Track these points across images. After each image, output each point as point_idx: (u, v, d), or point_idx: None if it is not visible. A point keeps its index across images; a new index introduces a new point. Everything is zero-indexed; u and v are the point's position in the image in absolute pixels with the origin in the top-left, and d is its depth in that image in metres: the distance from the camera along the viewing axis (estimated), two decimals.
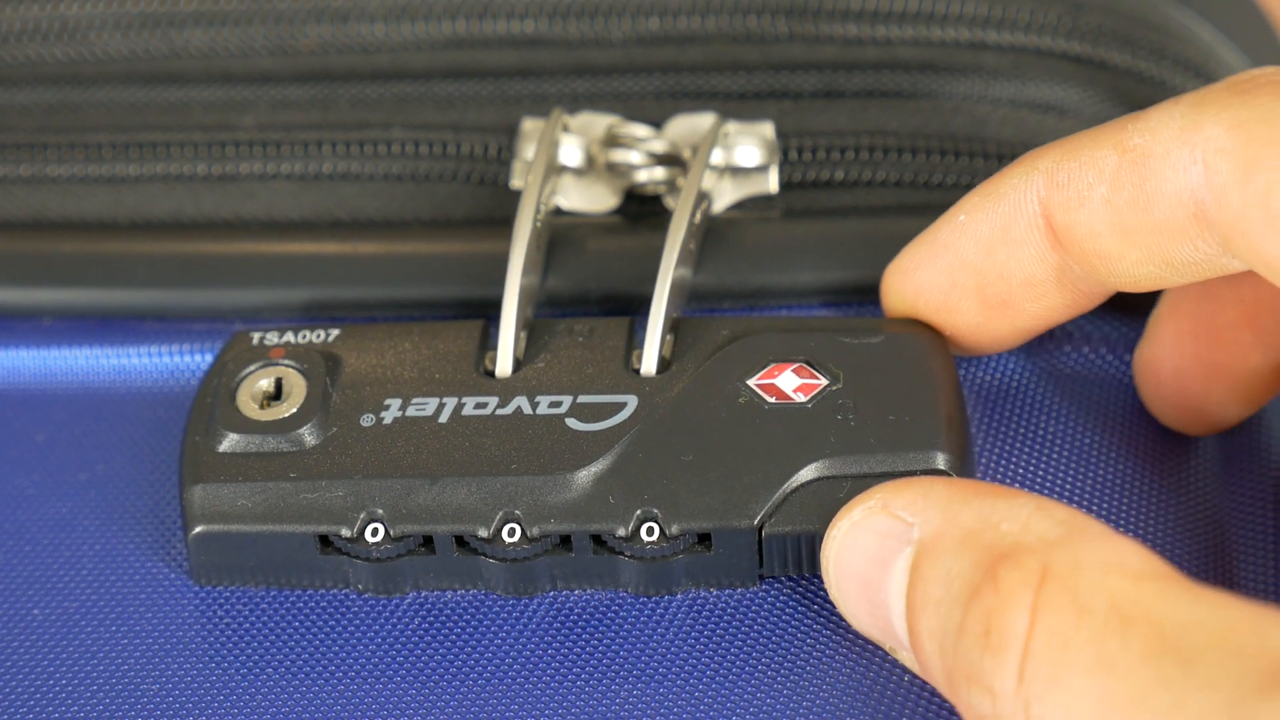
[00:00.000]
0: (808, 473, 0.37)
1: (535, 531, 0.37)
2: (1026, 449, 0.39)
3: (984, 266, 0.38)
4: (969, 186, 0.42)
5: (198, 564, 0.38)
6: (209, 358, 0.42)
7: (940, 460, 0.37)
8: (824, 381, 0.38)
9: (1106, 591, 0.32)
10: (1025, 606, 0.32)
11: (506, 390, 0.38)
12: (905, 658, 0.35)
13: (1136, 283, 0.37)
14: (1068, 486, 0.39)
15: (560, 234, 0.42)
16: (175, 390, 0.41)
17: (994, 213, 0.37)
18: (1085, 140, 0.36)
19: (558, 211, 0.43)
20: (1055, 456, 0.39)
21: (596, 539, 0.37)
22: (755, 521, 0.37)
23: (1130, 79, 0.44)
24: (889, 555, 0.35)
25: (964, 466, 0.37)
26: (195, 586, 0.39)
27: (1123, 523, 0.38)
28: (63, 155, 0.44)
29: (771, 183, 0.42)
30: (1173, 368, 0.39)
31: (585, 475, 0.37)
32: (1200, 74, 0.45)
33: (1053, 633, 0.32)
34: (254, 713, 0.37)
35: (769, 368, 0.38)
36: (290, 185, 0.43)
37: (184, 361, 0.42)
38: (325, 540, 0.38)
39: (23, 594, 0.39)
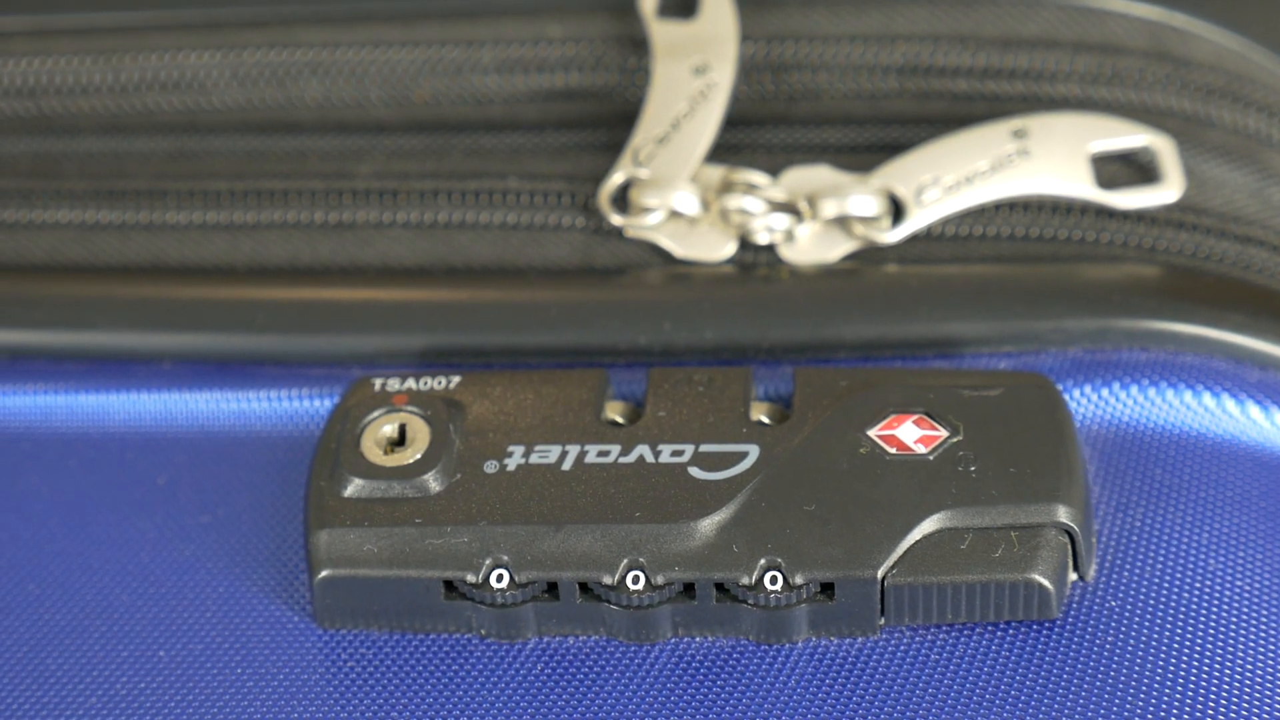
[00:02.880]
0: (930, 524, 0.37)
1: (660, 579, 0.38)
2: (1143, 502, 0.39)
3: None
4: (1080, 241, 0.43)
5: (322, 607, 0.39)
6: (328, 403, 0.42)
7: (1061, 513, 0.37)
8: (944, 433, 0.38)
9: None
10: None
11: (629, 438, 0.39)
12: None
13: None
14: (1184, 540, 0.39)
15: (674, 282, 0.42)
16: (294, 435, 0.42)
17: None
18: None
19: (671, 259, 0.43)
20: (1173, 509, 0.39)
21: (720, 587, 0.38)
22: (879, 573, 0.37)
23: (1237, 136, 0.45)
24: None
25: (1084, 519, 0.38)
26: (319, 630, 0.39)
27: (1246, 575, 0.38)
28: (181, 202, 0.45)
29: (887, 234, 0.43)
30: None
31: (709, 524, 0.38)
32: None
33: None
34: None
35: (889, 419, 0.39)
36: (406, 233, 0.44)
37: (303, 406, 0.42)
38: (450, 585, 0.38)
39: (148, 636, 0.39)
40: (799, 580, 0.37)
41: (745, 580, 0.37)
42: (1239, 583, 0.38)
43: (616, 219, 0.43)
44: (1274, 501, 0.40)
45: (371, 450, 0.39)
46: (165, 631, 0.39)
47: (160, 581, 0.40)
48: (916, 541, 0.37)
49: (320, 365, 0.43)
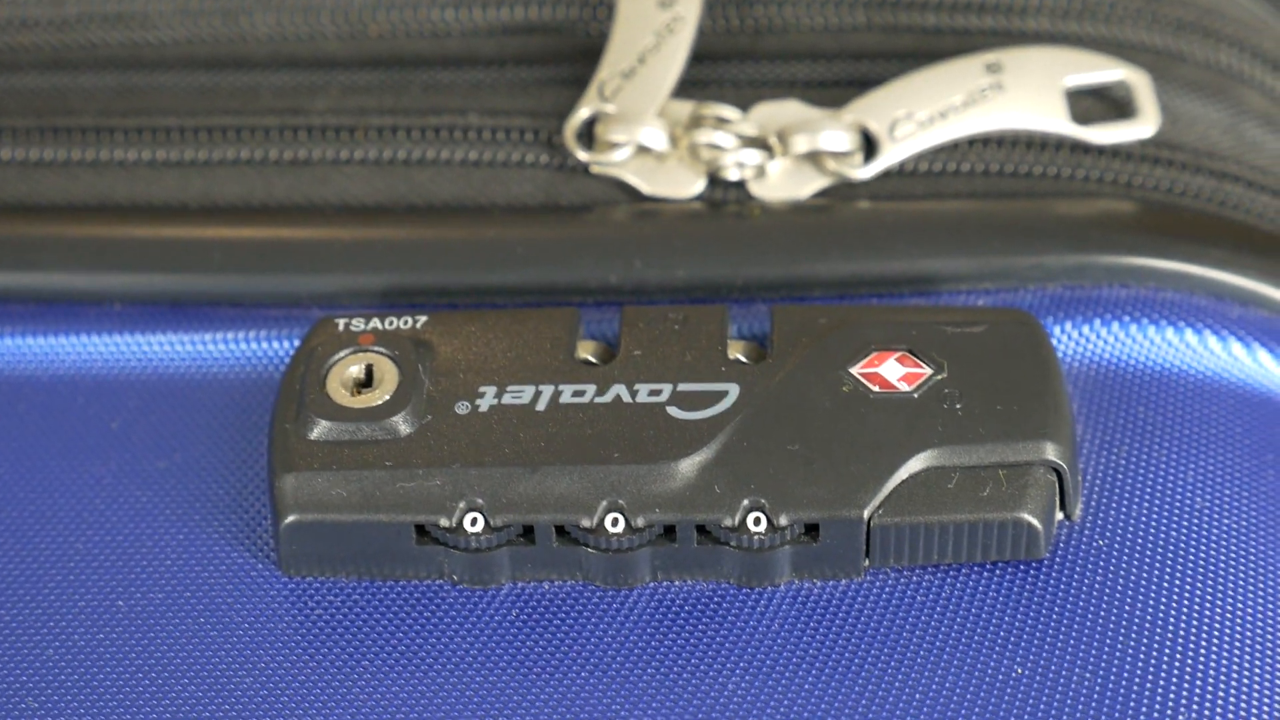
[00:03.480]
0: (916, 463, 0.37)
1: (640, 521, 0.36)
2: (1126, 440, 0.39)
3: None
4: (1056, 177, 0.42)
5: (288, 554, 0.38)
6: (287, 344, 0.41)
7: (1050, 450, 0.37)
8: (928, 371, 0.38)
9: None
10: None
11: (604, 378, 0.38)
12: None
13: None
14: (1169, 479, 0.38)
15: (644, 219, 0.41)
16: (253, 377, 0.41)
17: None
18: None
19: (639, 196, 0.42)
20: (1156, 447, 0.39)
21: (701, 529, 0.37)
22: (865, 512, 0.36)
23: (1210, 72, 0.44)
24: None
25: (1072, 457, 0.37)
26: (284, 577, 0.38)
27: (1232, 513, 0.38)
28: (129, 139, 0.43)
29: (860, 169, 0.42)
30: None
31: (689, 464, 0.37)
32: (1278, 68, 0.45)
33: None
34: (352, 704, 0.36)
35: (871, 356, 0.38)
36: (364, 170, 0.43)
37: (261, 348, 0.41)
38: (421, 530, 0.37)
39: (106, 586, 0.38)
40: (783, 521, 0.36)
41: (728, 522, 0.36)
42: (1225, 520, 0.38)
43: (582, 155, 0.42)
44: (1256, 438, 0.39)
45: (338, 391, 0.38)
46: (124, 581, 0.38)
47: (117, 529, 0.39)
48: (903, 481, 0.36)
49: (279, 306, 0.41)
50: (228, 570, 0.38)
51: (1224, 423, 0.39)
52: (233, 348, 0.41)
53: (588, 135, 0.42)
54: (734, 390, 0.37)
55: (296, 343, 0.41)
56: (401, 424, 0.37)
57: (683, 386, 0.38)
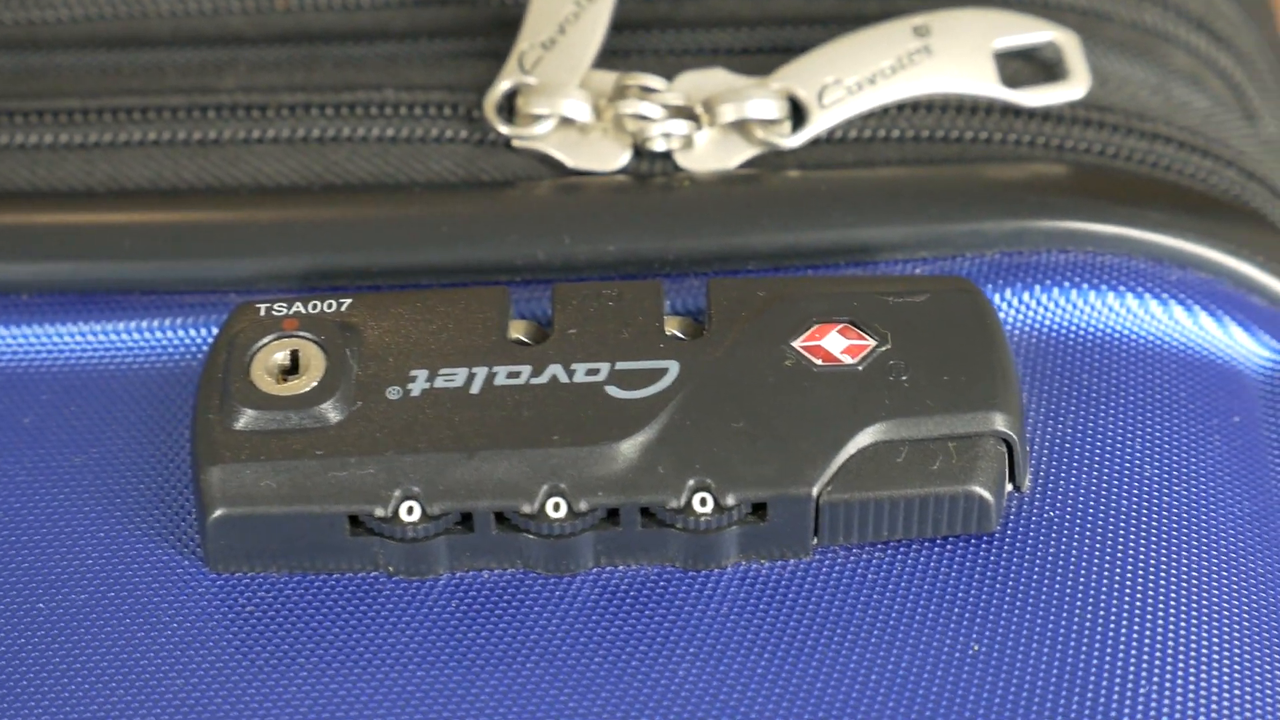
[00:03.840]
0: (864, 437, 0.36)
1: (582, 505, 0.35)
2: (1072, 409, 0.38)
3: None
4: (987, 141, 0.41)
5: (216, 549, 0.36)
6: (205, 333, 0.39)
7: (999, 421, 0.36)
8: (872, 342, 0.37)
9: None
10: None
11: (539, 358, 0.37)
12: None
13: None
14: (1117, 447, 0.38)
15: (570, 193, 0.40)
16: (170, 367, 0.39)
17: None
18: None
19: (563, 170, 0.41)
20: (1102, 415, 0.38)
21: (645, 512, 0.36)
22: (814, 489, 0.35)
23: (1135, 31, 0.43)
24: None
25: (1020, 427, 0.36)
26: (212, 574, 0.36)
27: (1182, 481, 0.37)
28: (29, 122, 0.41)
29: (789, 138, 0.41)
30: None
31: (631, 445, 0.36)
32: (1202, 26, 0.44)
33: None
34: (289, 704, 0.35)
35: (813, 329, 0.37)
36: (276, 150, 0.41)
37: (177, 337, 0.39)
38: (355, 521, 0.36)
39: (24, 587, 0.36)
40: (730, 501, 0.35)
41: (674, 503, 0.35)
42: (1176, 488, 0.37)
43: (503, 129, 0.41)
44: (1202, 403, 0.38)
45: (263, 379, 0.37)
46: (43, 582, 0.36)
47: (33, 528, 0.37)
48: (851, 456, 0.36)
49: (194, 293, 0.40)
50: (153, 568, 0.37)
51: (1169, 388, 0.38)
52: (147, 337, 0.39)
53: (508, 108, 0.41)
54: (674, 367, 0.36)
55: (215, 330, 0.39)
56: (331, 411, 0.36)
57: (621, 365, 0.36)
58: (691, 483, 0.35)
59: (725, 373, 0.36)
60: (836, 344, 0.37)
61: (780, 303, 0.37)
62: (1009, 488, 0.37)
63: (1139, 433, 0.38)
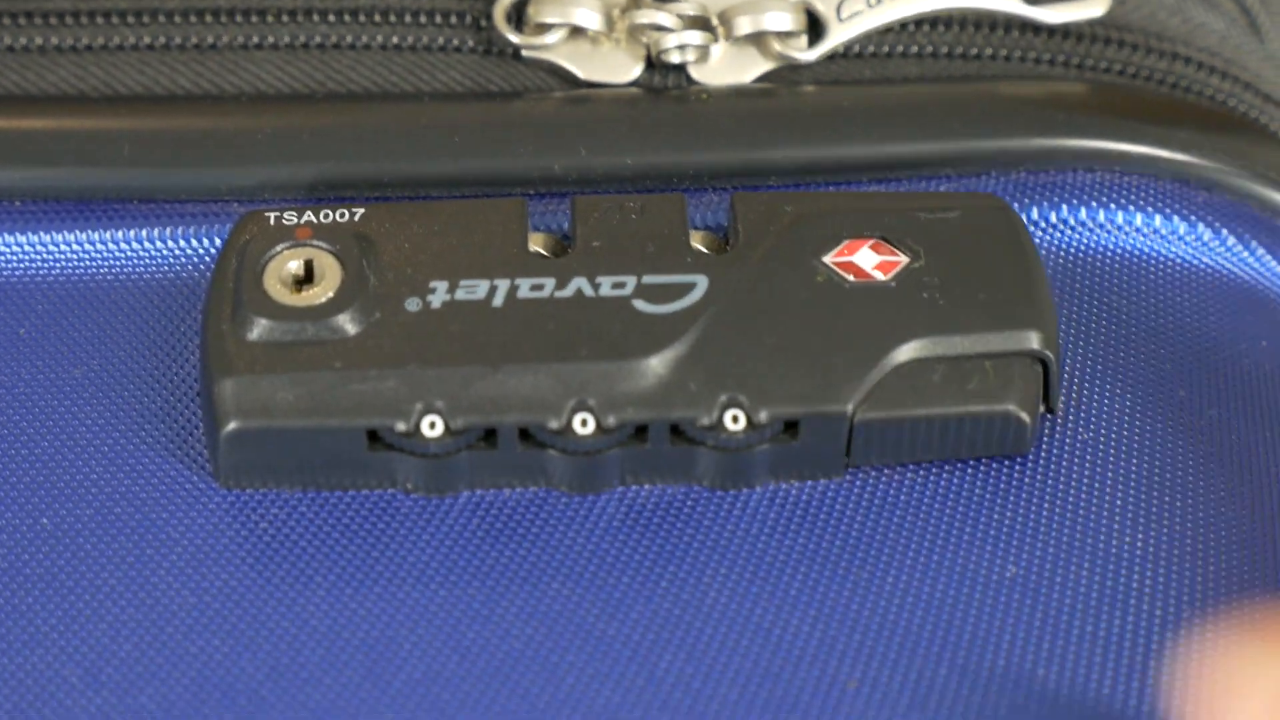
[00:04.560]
0: (899, 355, 0.35)
1: (611, 421, 0.34)
2: (1102, 330, 0.37)
3: None
4: (1006, 59, 0.40)
5: (228, 465, 0.35)
6: (207, 243, 0.38)
7: (1036, 340, 0.35)
8: (904, 259, 0.36)
9: None
10: None
11: (563, 270, 0.36)
12: None
13: None
14: (1148, 369, 0.37)
15: (584, 104, 0.39)
16: (170, 278, 0.38)
17: None
18: None
19: (573, 82, 0.40)
20: (1132, 336, 0.37)
21: (675, 429, 0.35)
22: (849, 407, 0.34)
23: None
24: None
25: (1056, 346, 0.35)
26: (223, 490, 0.35)
27: (1215, 403, 0.37)
28: (19, 24, 0.40)
29: (805, 52, 0.40)
30: None
31: (661, 361, 0.35)
32: None
33: None
34: (305, 623, 0.34)
35: (843, 244, 0.36)
36: (276, 57, 0.40)
37: (179, 246, 0.38)
38: (374, 436, 0.35)
39: (27, 501, 0.35)
40: (763, 418, 0.34)
41: (704, 420, 0.34)
42: (1210, 410, 0.36)
43: (513, 38, 0.40)
44: (1230, 327, 0.38)
45: (276, 289, 0.35)
46: (47, 496, 0.35)
47: (35, 441, 0.36)
48: (886, 373, 0.35)
49: (196, 201, 0.38)
50: (161, 483, 0.35)
51: (1197, 311, 0.38)
52: (147, 246, 0.38)
53: (517, 17, 0.40)
54: (702, 282, 0.35)
55: (217, 241, 0.38)
56: (348, 322, 0.35)
57: (648, 279, 0.35)
58: (723, 399, 0.34)
59: (755, 288, 0.35)
60: (868, 260, 0.36)
61: (809, 218, 0.36)
62: (1041, 408, 0.36)
63: (1168, 355, 0.37)
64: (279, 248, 0.36)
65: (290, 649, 0.34)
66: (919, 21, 0.40)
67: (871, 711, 0.33)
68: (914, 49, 0.40)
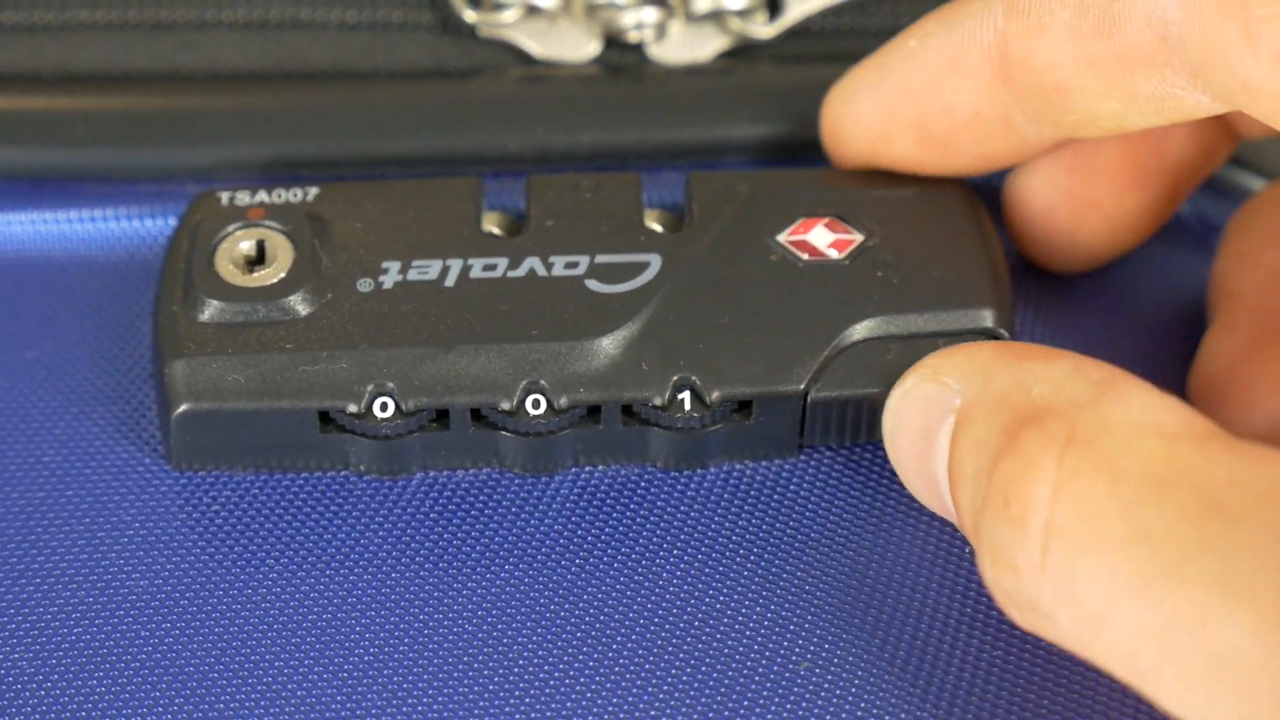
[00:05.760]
0: (852, 334, 0.35)
1: (563, 402, 0.34)
2: (1059, 303, 0.37)
3: (928, 98, 0.35)
4: None
5: (179, 447, 0.35)
6: (161, 222, 0.38)
7: (989, 318, 0.35)
8: (859, 237, 0.36)
9: (1140, 454, 0.29)
10: (1049, 473, 0.29)
11: (516, 250, 0.35)
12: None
13: (1093, 123, 0.34)
14: (1102, 344, 0.37)
15: (540, 83, 0.39)
16: (125, 258, 0.38)
17: (947, 40, 0.35)
18: None
19: (531, 61, 0.39)
20: (1089, 313, 0.37)
21: (627, 410, 0.35)
22: (802, 386, 0.34)
23: None
24: (934, 425, 0.32)
25: (1011, 324, 0.35)
26: (175, 472, 0.35)
27: (1167, 377, 0.36)
28: None
29: (764, 28, 0.39)
30: (1044, 201, 0.36)
31: (613, 341, 0.34)
32: None
33: (1080, 502, 0.29)
34: (257, 605, 0.34)
35: (798, 223, 0.36)
36: (232, 34, 0.40)
37: (133, 226, 0.38)
38: (326, 417, 0.34)
39: None
40: (715, 398, 0.34)
41: (657, 400, 0.34)
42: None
43: (469, 15, 0.39)
44: (1191, 302, 0.38)
45: (228, 270, 0.35)
46: None
47: None
48: (839, 352, 0.35)
49: (150, 181, 0.38)
50: (112, 466, 0.35)
51: (1145, 289, 0.38)
52: (101, 226, 0.38)
53: None
54: (655, 261, 0.35)
55: (172, 221, 0.38)
56: (300, 303, 0.35)
57: (601, 258, 0.35)
58: (675, 379, 0.34)
59: (708, 267, 0.35)
60: (822, 238, 0.36)
61: (763, 196, 0.36)
62: None
63: (1126, 330, 0.37)
64: (231, 228, 0.35)
65: (241, 632, 0.33)
66: None
67: (824, 692, 0.33)
68: (873, 27, 0.40)
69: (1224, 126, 0.36)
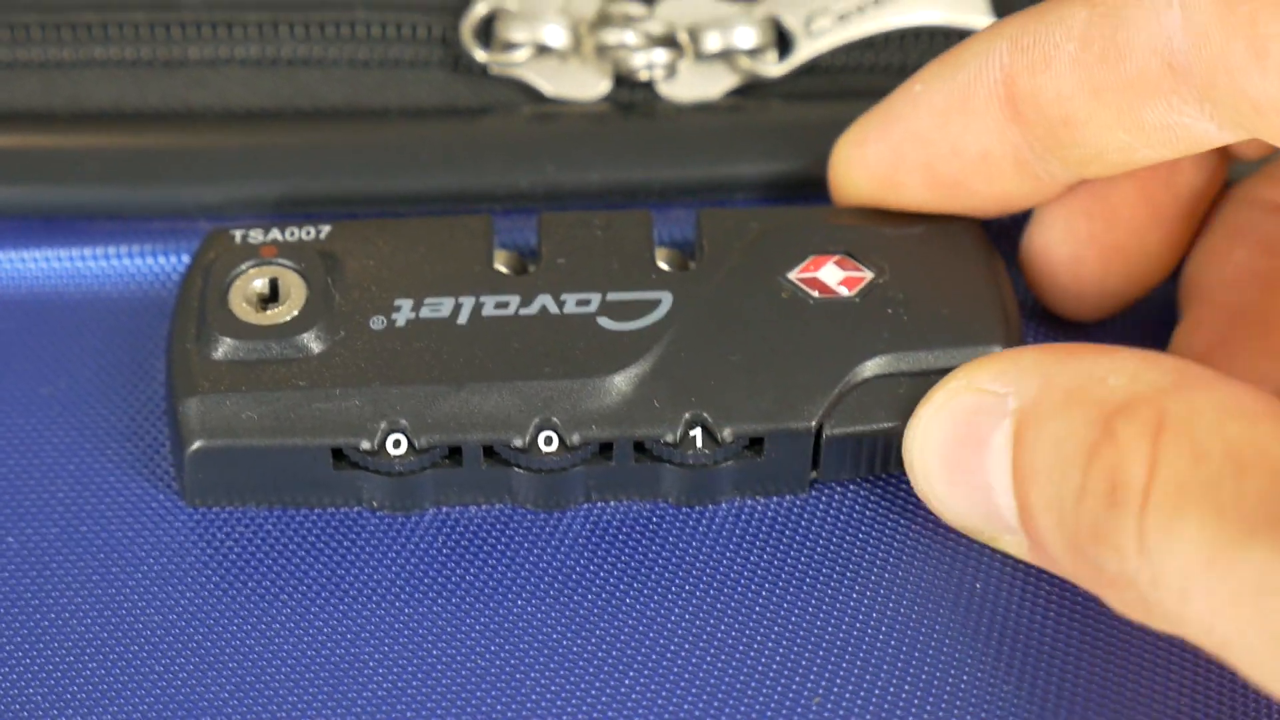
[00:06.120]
0: (864, 371, 0.35)
1: (575, 439, 0.34)
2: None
3: (937, 140, 0.35)
4: None
5: (193, 483, 0.35)
6: (174, 260, 0.38)
7: None
8: (869, 275, 0.36)
9: (1223, 435, 0.30)
10: (1144, 456, 0.30)
11: (528, 288, 0.36)
12: (1010, 543, 0.33)
13: (1101, 157, 0.34)
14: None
15: (551, 121, 0.39)
16: (138, 295, 0.38)
17: (952, 81, 0.35)
18: (1053, 1, 0.34)
19: (541, 99, 0.40)
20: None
21: (639, 446, 0.35)
22: (813, 423, 0.34)
23: None
24: (985, 432, 0.32)
25: None
26: (188, 509, 0.35)
27: None
28: None
29: (774, 66, 0.40)
30: (1068, 253, 0.37)
31: (625, 378, 0.35)
32: None
33: (1169, 480, 0.30)
34: (271, 641, 0.34)
35: (809, 260, 0.36)
36: (244, 71, 0.40)
37: (145, 264, 0.38)
38: (339, 454, 0.35)
39: None
40: (727, 435, 0.34)
41: (669, 437, 0.34)
42: None
43: (480, 55, 0.40)
44: None
45: (241, 308, 0.35)
46: (12, 515, 0.35)
47: (1, 461, 0.36)
48: (850, 389, 0.35)
49: (162, 218, 0.38)
50: (126, 502, 0.35)
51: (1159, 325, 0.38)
52: (114, 263, 0.38)
53: (485, 34, 0.40)
54: (667, 299, 0.35)
55: (184, 258, 0.38)
56: (313, 341, 0.35)
57: (612, 296, 0.35)
58: (687, 416, 0.34)
59: (719, 304, 0.35)
60: (833, 275, 0.36)
61: (774, 234, 0.36)
62: None
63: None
64: (244, 266, 0.36)
65: (255, 668, 0.34)
66: (887, 36, 0.40)
67: None
68: (882, 63, 0.40)
69: (1225, 151, 0.37)
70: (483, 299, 0.35)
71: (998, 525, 0.32)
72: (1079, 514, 0.31)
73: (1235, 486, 0.29)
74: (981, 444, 0.32)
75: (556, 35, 0.39)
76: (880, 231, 0.36)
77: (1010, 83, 0.34)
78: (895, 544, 0.35)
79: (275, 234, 0.36)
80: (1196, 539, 0.29)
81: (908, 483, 0.35)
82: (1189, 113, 0.32)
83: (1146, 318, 0.38)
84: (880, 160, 0.36)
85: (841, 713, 0.33)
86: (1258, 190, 0.37)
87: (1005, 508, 0.32)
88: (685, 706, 0.33)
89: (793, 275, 0.36)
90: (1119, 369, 0.31)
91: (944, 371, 0.35)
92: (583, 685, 0.33)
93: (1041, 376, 0.32)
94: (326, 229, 0.36)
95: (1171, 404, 0.31)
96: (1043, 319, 0.38)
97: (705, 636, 0.34)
